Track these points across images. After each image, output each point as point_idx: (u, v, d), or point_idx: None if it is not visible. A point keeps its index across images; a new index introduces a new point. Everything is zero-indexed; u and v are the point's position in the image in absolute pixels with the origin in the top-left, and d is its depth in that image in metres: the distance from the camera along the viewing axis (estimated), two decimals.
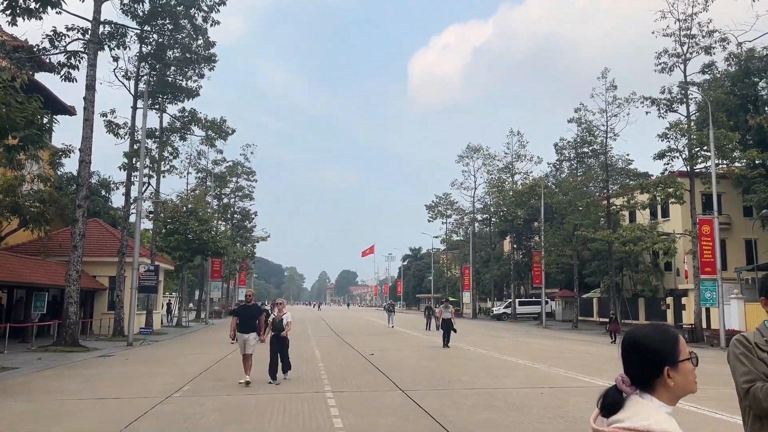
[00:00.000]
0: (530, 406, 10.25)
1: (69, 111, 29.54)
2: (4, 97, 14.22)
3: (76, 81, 23.15)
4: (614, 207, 39.51)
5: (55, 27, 22.81)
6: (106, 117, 26.76)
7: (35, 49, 22.53)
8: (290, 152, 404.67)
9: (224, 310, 53.94)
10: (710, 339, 27.45)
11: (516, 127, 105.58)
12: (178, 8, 27.18)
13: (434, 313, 33.84)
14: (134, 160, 27.09)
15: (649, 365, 1.81)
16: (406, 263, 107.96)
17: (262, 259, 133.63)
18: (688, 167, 31.05)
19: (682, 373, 1.82)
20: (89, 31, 22.76)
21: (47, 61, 23.59)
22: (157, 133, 30.56)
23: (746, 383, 2.62)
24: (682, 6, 30.83)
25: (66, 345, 20.32)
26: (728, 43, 30.49)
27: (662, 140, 31.31)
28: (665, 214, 40.89)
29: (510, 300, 57.68)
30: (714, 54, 31.39)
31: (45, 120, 17.36)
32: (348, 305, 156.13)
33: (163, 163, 29.93)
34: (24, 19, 19.23)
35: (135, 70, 28.56)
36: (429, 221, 70.01)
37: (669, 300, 38.39)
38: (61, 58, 22.96)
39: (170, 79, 29.23)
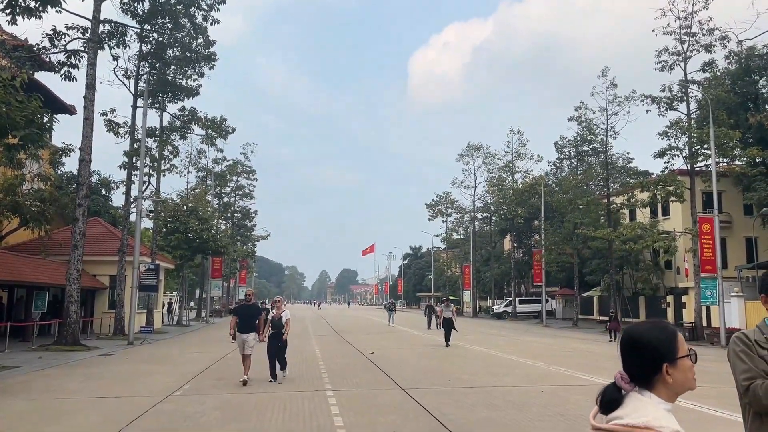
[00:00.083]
0: (530, 404, 10.25)
1: (69, 110, 29.51)
2: (4, 96, 14.21)
3: (76, 80, 23.18)
4: (614, 205, 39.46)
5: (54, 26, 22.82)
6: (107, 116, 26.81)
7: (35, 48, 22.55)
8: (290, 151, 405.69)
9: (225, 309, 53.91)
10: (710, 337, 27.48)
11: (516, 126, 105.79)
12: (177, 7, 27.20)
13: (435, 311, 33.86)
14: (134, 159, 27.08)
15: (648, 362, 1.81)
16: (406, 262, 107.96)
17: (262, 258, 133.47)
18: (689, 165, 31.04)
19: (681, 370, 1.82)
20: (89, 30, 22.75)
21: (47, 60, 23.58)
22: (157, 132, 30.59)
23: (746, 380, 2.63)
24: (682, 4, 30.81)
25: (66, 344, 20.34)
26: (728, 41, 30.51)
27: (662, 138, 31.34)
28: (665, 212, 40.84)
29: (510, 298, 57.64)
30: (714, 52, 31.38)
31: (45, 119, 17.33)
32: (348, 304, 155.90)
33: (163, 162, 29.91)
34: (24, 18, 19.21)
35: (135, 69, 28.55)
36: (429, 220, 70.02)
37: (669, 298, 38.40)
38: (61, 57, 22.97)
39: (170, 78, 29.28)
